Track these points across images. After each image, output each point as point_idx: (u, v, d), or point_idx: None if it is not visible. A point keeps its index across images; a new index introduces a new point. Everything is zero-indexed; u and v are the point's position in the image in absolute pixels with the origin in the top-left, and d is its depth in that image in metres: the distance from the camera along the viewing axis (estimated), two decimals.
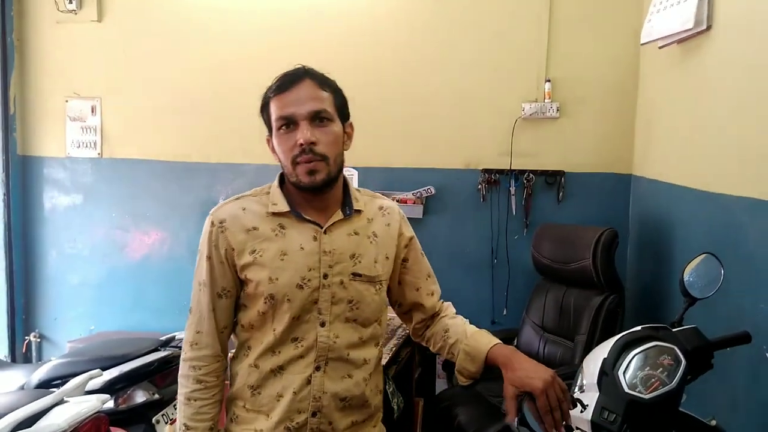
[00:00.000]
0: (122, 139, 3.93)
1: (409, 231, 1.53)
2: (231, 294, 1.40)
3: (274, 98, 1.35)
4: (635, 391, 1.35)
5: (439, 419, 2.67)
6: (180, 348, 2.65)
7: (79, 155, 3.96)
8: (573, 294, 2.87)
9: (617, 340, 1.48)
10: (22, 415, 1.82)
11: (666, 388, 1.35)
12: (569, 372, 1.58)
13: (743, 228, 1.89)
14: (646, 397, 1.34)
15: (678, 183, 2.51)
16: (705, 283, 1.55)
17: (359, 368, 1.41)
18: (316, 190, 1.35)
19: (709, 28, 2.20)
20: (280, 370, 1.36)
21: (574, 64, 3.36)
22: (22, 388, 2.37)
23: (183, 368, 1.41)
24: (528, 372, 1.27)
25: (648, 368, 1.39)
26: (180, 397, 1.41)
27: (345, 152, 1.43)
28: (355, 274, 1.38)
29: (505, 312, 3.44)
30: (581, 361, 1.56)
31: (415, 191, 3.47)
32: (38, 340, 4.07)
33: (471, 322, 1.53)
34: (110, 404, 2.30)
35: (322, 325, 1.36)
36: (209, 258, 1.38)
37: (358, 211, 1.44)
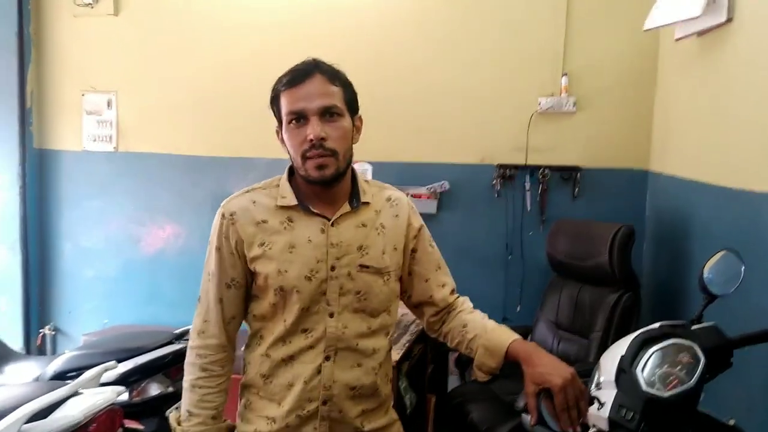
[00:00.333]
0: (138, 133, 3.94)
1: (417, 221, 1.53)
2: (240, 285, 1.42)
3: (285, 92, 1.36)
4: (653, 389, 1.34)
5: (452, 416, 2.65)
6: None
7: (95, 149, 3.98)
8: (588, 291, 2.84)
9: (635, 337, 1.46)
10: (38, 406, 1.83)
11: (685, 387, 1.33)
12: (584, 369, 1.56)
13: (765, 225, 1.86)
14: (665, 395, 1.33)
15: (697, 179, 2.48)
16: (725, 281, 1.53)
17: (369, 357, 1.42)
18: (325, 184, 1.37)
19: (729, 20, 2.16)
20: (290, 359, 1.39)
21: (592, 58, 3.33)
22: (37, 379, 2.38)
23: (189, 356, 1.44)
24: (548, 368, 1.25)
25: (667, 366, 1.37)
26: (185, 384, 1.43)
27: (355, 145, 1.44)
28: (362, 266, 1.40)
29: (519, 308, 3.41)
30: (596, 359, 1.55)
31: (429, 186, 3.45)
32: (53, 333, 4.10)
33: None
34: (124, 397, 2.31)
35: (331, 315, 1.38)
36: (219, 249, 1.41)
37: (366, 203, 1.45)
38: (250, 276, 1.42)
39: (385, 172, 3.32)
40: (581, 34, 3.33)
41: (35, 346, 4.07)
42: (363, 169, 3.24)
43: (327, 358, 1.38)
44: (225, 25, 3.75)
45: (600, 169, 3.37)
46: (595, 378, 1.48)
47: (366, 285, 1.40)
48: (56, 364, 2.41)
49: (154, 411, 2.44)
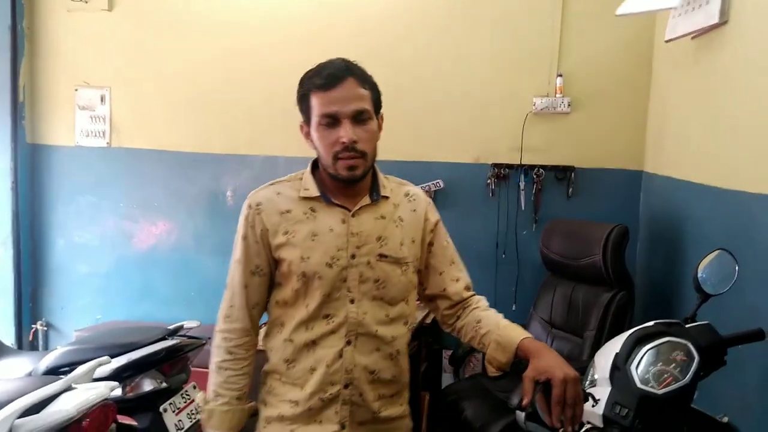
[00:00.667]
0: (131, 128, 3.93)
1: (434, 216, 1.60)
2: (264, 272, 1.50)
3: (318, 93, 1.41)
4: (648, 386, 1.34)
5: (446, 413, 2.66)
6: (187, 337, 2.67)
7: (88, 144, 3.96)
8: (582, 290, 2.85)
9: (630, 335, 1.47)
10: (30, 401, 1.82)
11: (679, 384, 1.34)
12: (578, 368, 1.56)
13: (759, 225, 1.87)
14: (659, 392, 1.33)
15: (691, 180, 2.49)
16: (719, 280, 1.54)
17: (387, 344, 1.49)
18: (352, 183, 1.45)
19: (725, 22, 2.17)
20: (313, 344, 1.45)
21: (586, 58, 3.35)
22: (29, 374, 2.37)
23: (216, 339, 1.53)
24: (553, 363, 1.28)
25: (661, 363, 1.38)
26: (212, 366, 1.52)
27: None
28: (381, 255, 1.47)
29: (514, 307, 3.42)
30: (590, 357, 1.56)
31: (423, 185, 3.45)
32: (45, 328, 4.08)
33: None
34: (118, 392, 2.30)
35: (352, 302, 1.45)
36: (245, 238, 1.49)
37: (385, 197, 1.52)
38: (274, 264, 1.49)
39: (380, 170, 3.32)
40: (576, 35, 3.35)
41: (27, 341, 4.05)
42: None
43: (348, 343, 1.45)
44: (219, 21, 3.74)
45: (594, 169, 3.38)
46: (590, 375, 1.49)
47: (384, 274, 1.47)
48: (49, 360, 2.40)
49: (148, 406, 2.44)
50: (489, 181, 3.46)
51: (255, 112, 3.73)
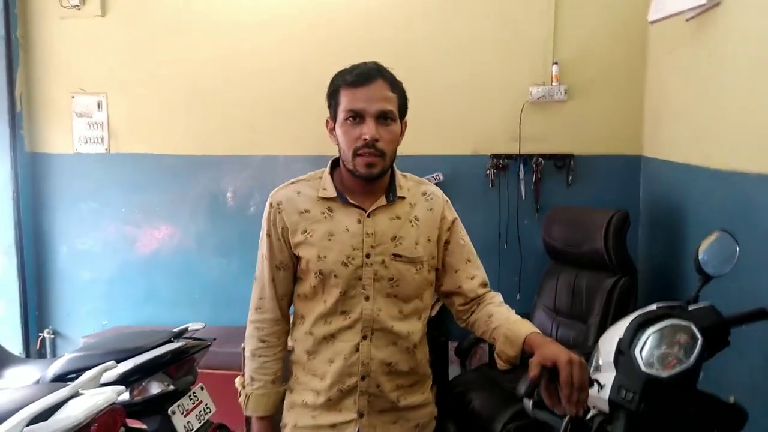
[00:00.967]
0: (129, 133, 3.92)
1: (451, 215, 1.64)
2: (288, 267, 1.58)
3: (347, 89, 1.46)
4: (652, 370, 1.34)
5: (453, 405, 2.67)
6: (193, 339, 2.68)
7: (87, 151, 3.96)
8: (585, 277, 2.85)
9: (633, 319, 1.47)
10: (38, 409, 1.82)
11: (683, 366, 1.34)
12: (584, 354, 1.57)
13: (758, 205, 1.87)
14: (664, 375, 1.33)
15: (689, 162, 2.49)
16: (720, 261, 1.53)
17: (403, 339, 1.54)
18: (369, 180, 1.50)
19: (717, 4, 2.17)
20: (332, 338, 1.53)
21: (582, 46, 3.34)
22: (37, 382, 2.38)
23: (248, 329, 1.63)
24: (558, 350, 1.29)
25: (664, 346, 1.38)
26: (246, 353, 1.63)
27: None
28: (395, 255, 1.52)
29: (518, 297, 3.42)
30: (595, 343, 1.56)
31: (423, 178, 3.44)
32: (52, 336, 4.09)
33: None
34: (126, 396, 2.31)
35: (367, 299, 1.51)
36: (269, 235, 1.57)
37: (402, 198, 1.57)
38: (296, 259, 1.57)
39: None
40: (571, 23, 3.35)
41: (35, 350, 4.06)
42: None
43: (364, 338, 1.51)
44: (213, 22, 3.73)
45: (593, 156, 3.38)
46: (594, 361, 1.49)
47: (399, 273, 1.52)
48: (56, 367, 2.41)
49: (156, 409, 2.44)
50: (488, 172, 3.46)
51: (252, 113, 3.73)
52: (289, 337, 1.66)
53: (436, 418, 1.71)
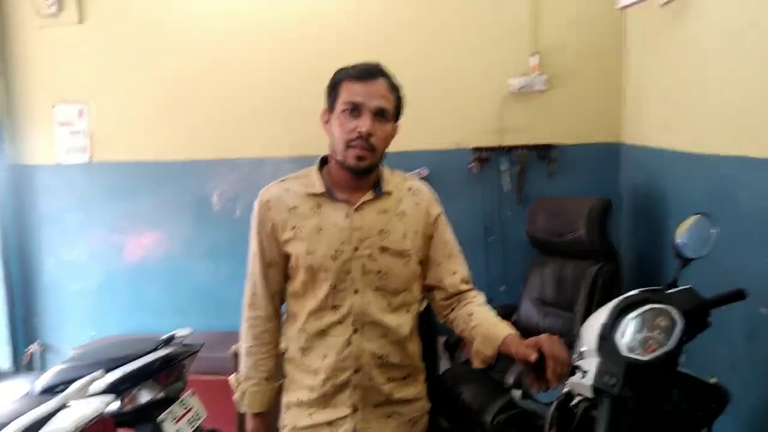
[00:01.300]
0: (111, 141, 3.89)
1: (436, 209, 1.67)
2: (278, 264, 1.62)
3: (348, 83, 1.52)
4: (634, 354, 1.36)
5: (443, 398, 2.67)
6: (182, 345, 2.67)
7: (70, 161, 3.92)
8: (570, 266, 2.87)
9: (614, 306, 1.49)
10: (27, 422, 1.82)
11: (664, 349, 1.36)
12: (571, 342, 1.58)
13: (735, 187, 1.89)
14: (645, 358, 1.35)
15: (667, 147, 2.51)
16: (698, 244, 1.56)
17: (393, 331, 1.58)
18: (357, 173, 1.54)
19: None
20: (323, 333, 1.56)
21: (560, 35, 3.35)
22: (25, 395, 2.36)
23: (243, 326, 1.67)
24: (538, 336, 1.35)
25: (645, 330, 1.40)
26: (242, 350, 1.68)
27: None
28: (383, 248, 1.56)
29: (503, 288, 3.43)
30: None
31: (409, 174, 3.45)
32: (41, 349, 4.05)
33: None
34: (116, 405, 2.30)
35: (356, 292, 1.55)
36: (258, 233, 1.61)
37: (388, 193, 1.61)
38: (285, 257, 1.60)
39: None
40: (549, 12, 3.35)
41: (23, 364, 4.02)
42: None
43: (355, 331, 1.55)
44: (193, 27, 3.71)
45: (575, 145, 3.40)
46: (577, 348, 1.50)
47: (386, 266, 1.56)
48: (44, 379, 2.39)
49: (147, 417, 2.43)
50: (471, 165, 3.46)
51: (235, 116, 3.71)
52: (282, 337, 1.68)
53: (429, 412, 1.73)
